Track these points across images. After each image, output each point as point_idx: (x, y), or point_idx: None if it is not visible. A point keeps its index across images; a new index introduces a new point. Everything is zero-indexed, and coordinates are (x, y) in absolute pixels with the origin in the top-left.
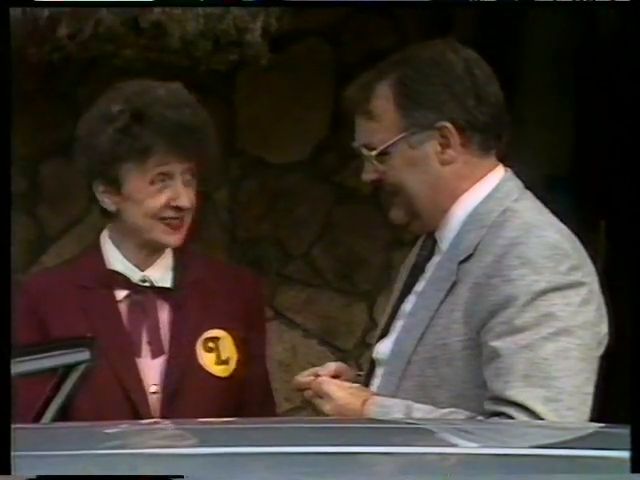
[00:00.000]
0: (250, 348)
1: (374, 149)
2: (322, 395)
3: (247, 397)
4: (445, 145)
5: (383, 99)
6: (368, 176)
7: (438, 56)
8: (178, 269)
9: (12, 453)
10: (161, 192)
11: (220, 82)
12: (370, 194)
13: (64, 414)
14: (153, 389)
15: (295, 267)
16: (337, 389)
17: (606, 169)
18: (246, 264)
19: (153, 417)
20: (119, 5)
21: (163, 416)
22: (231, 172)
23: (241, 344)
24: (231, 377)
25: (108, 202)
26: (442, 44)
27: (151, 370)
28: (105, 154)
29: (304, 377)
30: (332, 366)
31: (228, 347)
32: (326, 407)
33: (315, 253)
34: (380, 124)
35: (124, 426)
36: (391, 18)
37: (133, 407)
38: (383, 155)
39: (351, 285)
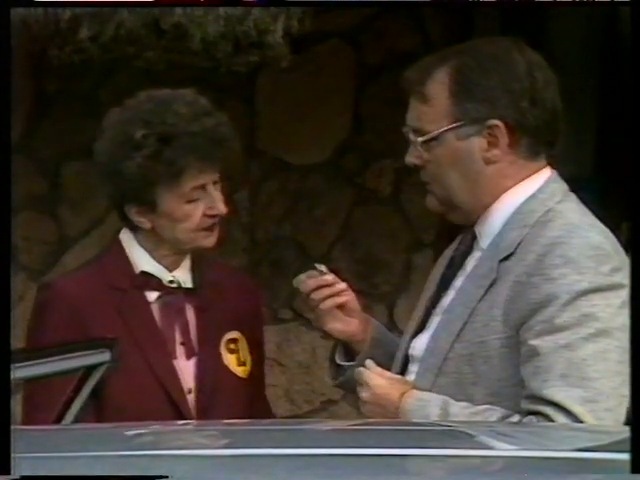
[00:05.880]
0: (258, 350)
1: (422, 134)
2: (361, 383)
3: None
4: (492, 144)
5: (438, 84)
6: (411, 159)
7: (502, 52)
8: (195, 270)
9: (12, 454)
10: (197, 207)
11: (241, 83)
12: (390, 195)
13: (99, 415)
14: (189, 390)
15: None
16: (377, 377)
17: (629, 170)
18: (266, 265)
19: (192, 418)
20: (117, 5)
21: (199, 417)
22: (251, 173)
23: (253, 345)
24: (249, 378)
25: (143, 221)
26: (509, 42)
27: (186, 371)
28: (136, 181)
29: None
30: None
31: (245, 348)
32: (363, 394)
33: (335, 254)
34: (432, 109)
35: (155, 427)
36: (412, 19)
37: (174, 408)
38: (429, 142)
39: (371, 286)
